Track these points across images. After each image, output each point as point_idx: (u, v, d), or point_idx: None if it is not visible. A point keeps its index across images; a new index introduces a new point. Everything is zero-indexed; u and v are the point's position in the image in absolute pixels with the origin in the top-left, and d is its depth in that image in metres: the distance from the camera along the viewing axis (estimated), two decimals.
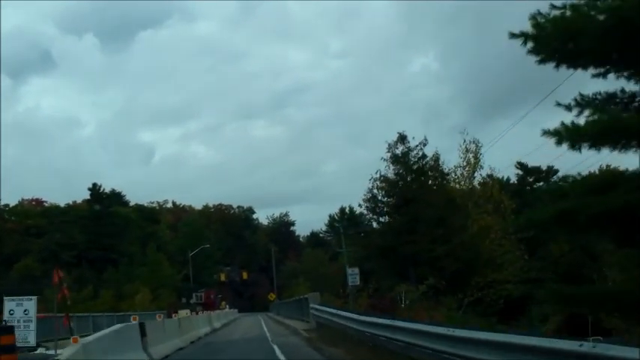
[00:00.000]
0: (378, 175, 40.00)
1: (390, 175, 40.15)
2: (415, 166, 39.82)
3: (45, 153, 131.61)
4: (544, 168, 59.78)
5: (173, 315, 22.73)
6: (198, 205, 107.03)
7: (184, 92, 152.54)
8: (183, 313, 36.51)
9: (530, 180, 60.56)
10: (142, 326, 14.28)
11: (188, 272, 69.83)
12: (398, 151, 39.99)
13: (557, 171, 63.06)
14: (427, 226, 36.45)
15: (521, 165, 59.32)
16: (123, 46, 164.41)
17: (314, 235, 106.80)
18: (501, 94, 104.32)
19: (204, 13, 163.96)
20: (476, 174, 42.75)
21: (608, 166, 30.93)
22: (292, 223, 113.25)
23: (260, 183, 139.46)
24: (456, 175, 42.22)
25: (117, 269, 65.99)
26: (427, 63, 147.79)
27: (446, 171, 41.59)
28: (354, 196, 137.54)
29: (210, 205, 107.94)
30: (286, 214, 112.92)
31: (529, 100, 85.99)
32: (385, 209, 40.30)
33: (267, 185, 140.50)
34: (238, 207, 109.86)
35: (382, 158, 40.05)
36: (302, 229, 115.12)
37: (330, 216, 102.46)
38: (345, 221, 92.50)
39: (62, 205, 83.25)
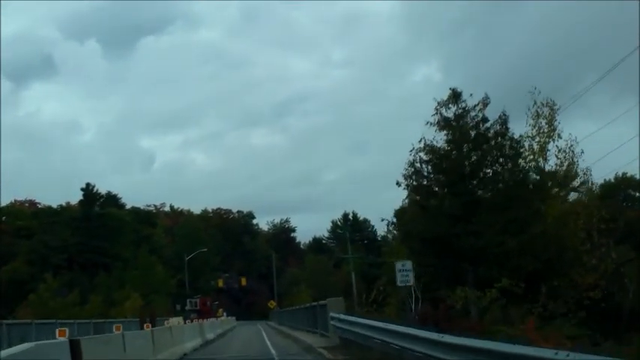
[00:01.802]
0: (422, 145, 30.36)
1: (440, 143, 30.61)
2: (473, 132, 30.34)
3: (45, 157, 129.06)
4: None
5: (145, 326, 17.51)
6: (197, 210, 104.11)
7: (186, 99, 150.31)
8: (174, 321, 33.23)
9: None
10: (73, 345, 9.51)
11: (183, 277, 66.67)
12: (449, 114, 30.28)
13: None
14: (490, 212, 27.69)
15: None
16: (125, 52, 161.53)
17: (316, 241, 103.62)
18: (503, 104, 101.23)
19: (207, 20, 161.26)
20: (550, 146, 33.27)
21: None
22: (293, 230, 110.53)
23: (261, 190, 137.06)
24: (522, 146, 32.57)
25: (109, 273, 62.91)
26: (429, 73, 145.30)
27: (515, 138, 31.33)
28: (356, 204, 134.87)
29: (209, 209, 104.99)
30: (287, 221, 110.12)
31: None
32: (433, 188, 30.48)
33: (268, 192, 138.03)
34: (238, 212, 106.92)
35: (428, 122, 30.57)
36: (303, 237, 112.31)
37: (332, 222, 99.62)
38: (348, 227, 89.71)
39: (55, 206, 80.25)
